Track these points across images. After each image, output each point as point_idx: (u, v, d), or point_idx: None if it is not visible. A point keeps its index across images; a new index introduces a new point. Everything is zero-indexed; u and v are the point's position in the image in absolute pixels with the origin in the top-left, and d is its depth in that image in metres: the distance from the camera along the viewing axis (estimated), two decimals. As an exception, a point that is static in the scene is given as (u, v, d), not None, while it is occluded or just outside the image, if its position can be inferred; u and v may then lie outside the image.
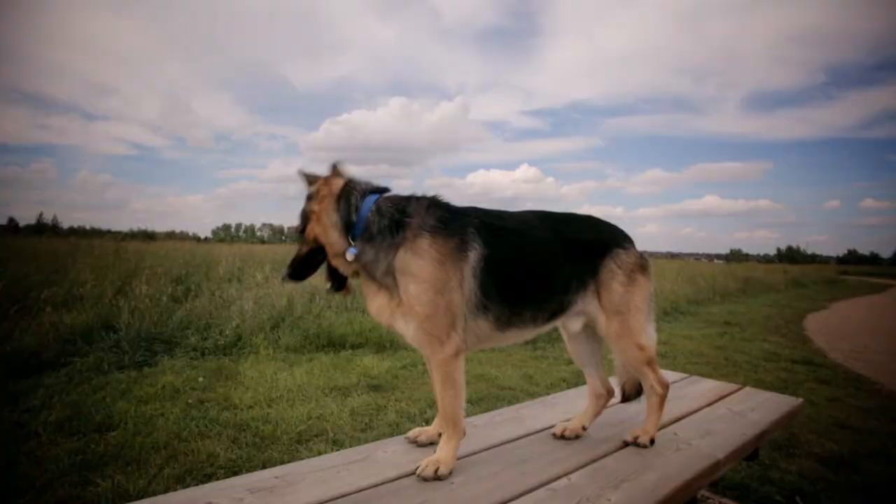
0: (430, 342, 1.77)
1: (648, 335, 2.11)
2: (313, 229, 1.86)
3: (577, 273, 2.02)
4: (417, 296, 1.73)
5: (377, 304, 1.84)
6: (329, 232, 1.84)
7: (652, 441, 2.08)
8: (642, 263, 2.12)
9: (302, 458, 2.33)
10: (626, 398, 2.38)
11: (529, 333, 2.05)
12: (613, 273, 2.04)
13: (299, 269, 1.92)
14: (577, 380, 5.31)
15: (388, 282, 1.78)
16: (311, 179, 1.93)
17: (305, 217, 1.89)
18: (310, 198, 1.90)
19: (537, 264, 1.96)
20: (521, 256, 1.92)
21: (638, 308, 2.06)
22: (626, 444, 2.08)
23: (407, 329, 1.80)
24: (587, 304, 2.06)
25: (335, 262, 1.88)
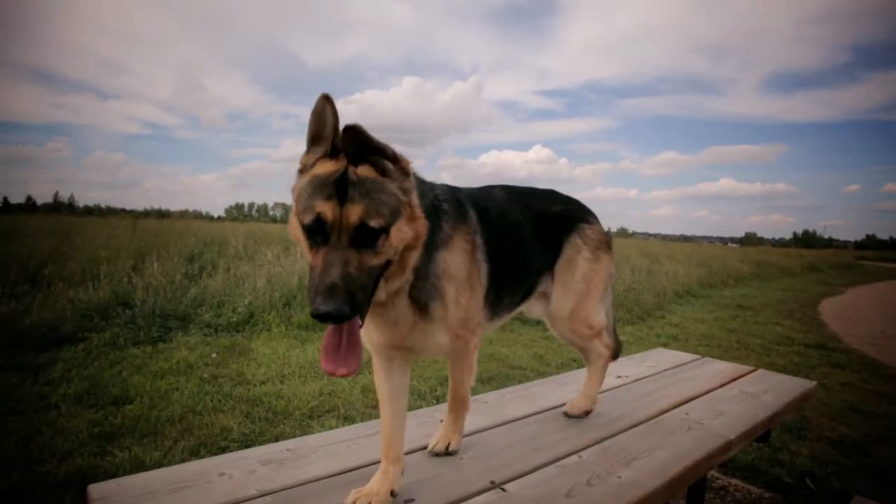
0: (459, 343, 1.52)
1: (600, 315, 2.04)
2: (402, 232, 1.22)
3: (546, 251, 1.91)
4: (455, 300, 1.45)
5: (388, 322, 1.41)
6: (423, 234, 1.30)
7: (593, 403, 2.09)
8: (607, 240, 2.03)
9: (313, 433, 2.36)
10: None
11: (503, 321, 1.90)
12: (579, 249, 1.93)
13: (367, 296, 1.17)
14: (588, 361, 5.31)
15: (420, 291, 1.39)
16: (391, 154, 1.23)
17: (395, 212, 1.19)
18: (385, 173, 1.21)
19: (518, 245, 1.81)
20: (507, 237, 1.75)
21: (597, 286, 1.98)
22: (567, 416, 2.07)
23: (438, 339, 1.47)
24: (549, 283, 1.95)
25: (396, 279, 1.31)
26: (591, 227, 2.00)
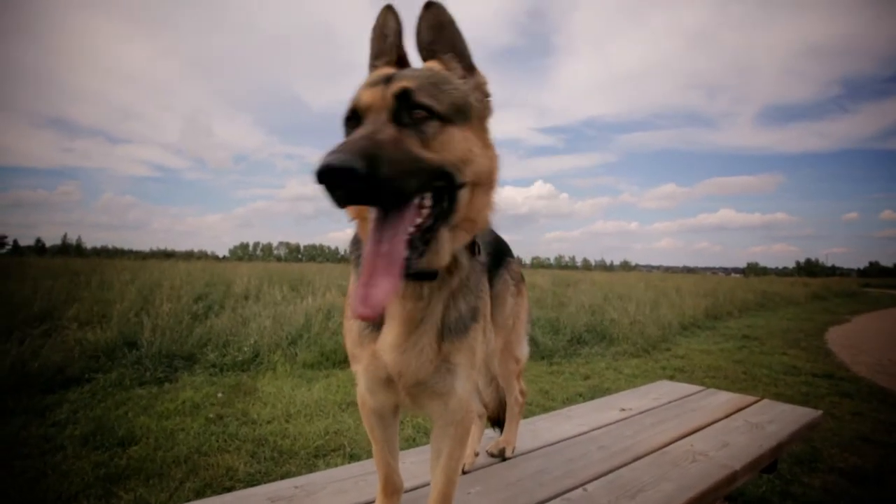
0: (472, 402, 1.30)
1: (525, 349, 2.06)
2: (469, 142, 1.01)
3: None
4: (482, 330, 1.27)
5: (418, 343, 1.16)
6: (495, 171, 1.08)
7: (513, 450, 2.09)
8: (522, 274, 2.01)
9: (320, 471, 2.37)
10: (495, 420, 2.22)
11: None
12: (507, 284, 1.86)
13: (406, 187, 0.89)
14: (594, 394, 5.28)
15: (465, 306, 1.18)
16: (468, 60, 1.09)
17: (458, 109, 1.00)
18: (465, 66, 1.08)
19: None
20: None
21: (522, 321, 2.00)
22: (492, 456, 2.06)
23: (456, 385, 1.22)
24: None
25: (463, 230, 1.07)
26: (513, 261, 1.96)
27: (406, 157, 0.89)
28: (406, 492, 1.67)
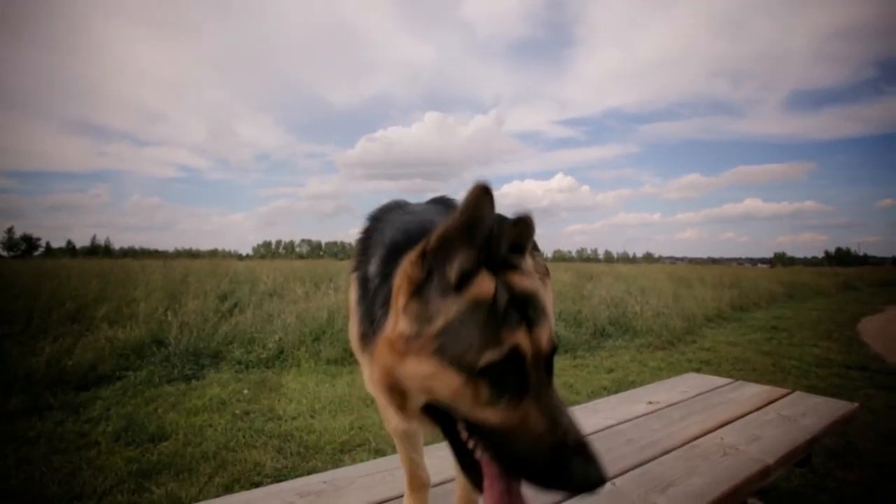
0: None
1: None
2: None
3: None
4: None
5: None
6: None
7: None
8: (547, 267, 1.94)
9: (345, 467, 2.38)
10: None
11: None
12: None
13: None
14: (619, 387, 5.22)
15: None
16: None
17: None
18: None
19: None
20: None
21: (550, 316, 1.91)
22: None
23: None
24: None
25: None
26: (539, 253, 1.92)
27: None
28: (434, 486, 1.67)
